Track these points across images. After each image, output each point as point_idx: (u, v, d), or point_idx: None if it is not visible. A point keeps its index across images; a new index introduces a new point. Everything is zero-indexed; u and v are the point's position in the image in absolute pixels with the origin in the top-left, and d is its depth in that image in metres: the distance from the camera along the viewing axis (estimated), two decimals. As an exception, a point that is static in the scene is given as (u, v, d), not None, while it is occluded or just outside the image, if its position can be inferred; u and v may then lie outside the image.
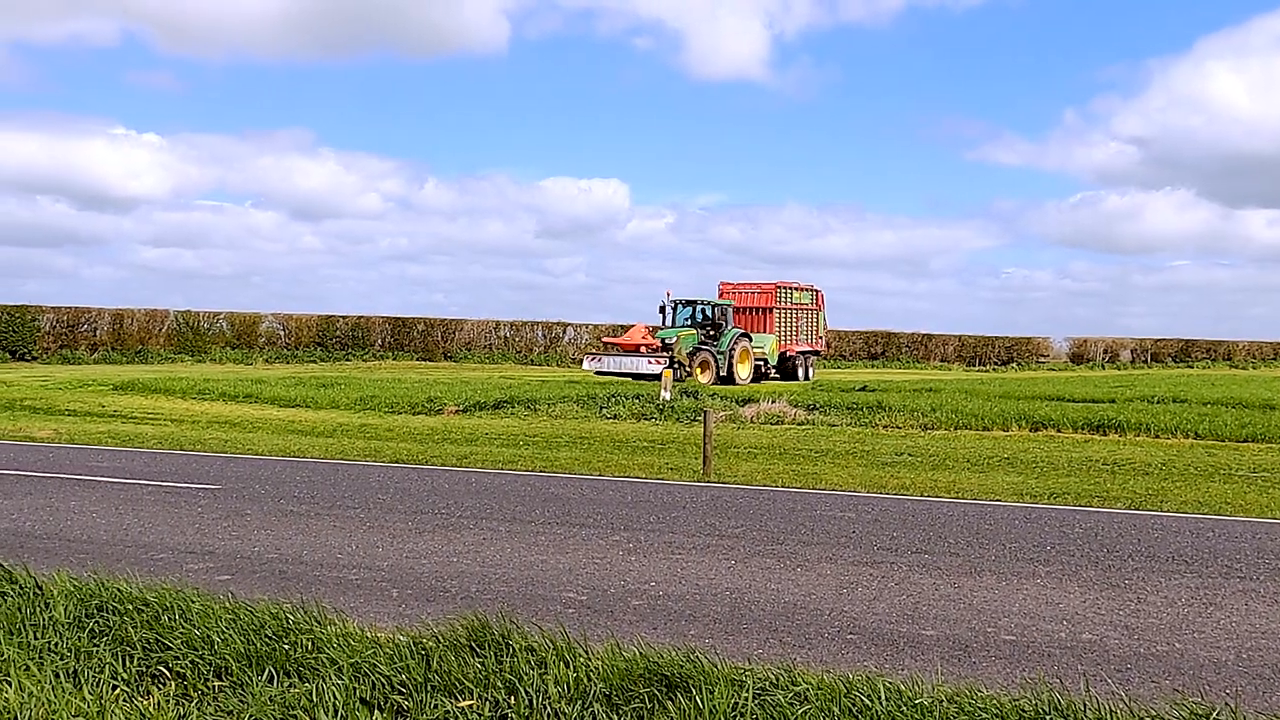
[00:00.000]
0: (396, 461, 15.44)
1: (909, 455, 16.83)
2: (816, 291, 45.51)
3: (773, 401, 24.05)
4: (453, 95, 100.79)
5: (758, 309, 42.05)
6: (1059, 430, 20.41)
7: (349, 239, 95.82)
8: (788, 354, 42.04)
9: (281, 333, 56.76)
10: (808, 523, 10.51)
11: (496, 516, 10.70)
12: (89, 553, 8.72)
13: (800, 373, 42.22)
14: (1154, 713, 4.94)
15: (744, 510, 11.24)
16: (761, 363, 40.21)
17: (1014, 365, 70.15)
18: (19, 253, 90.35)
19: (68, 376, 36.15)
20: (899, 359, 68.55)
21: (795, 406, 23.38)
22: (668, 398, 24.41)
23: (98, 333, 52.08)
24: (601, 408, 23.76)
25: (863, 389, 30.79)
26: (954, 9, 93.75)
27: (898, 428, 21.02)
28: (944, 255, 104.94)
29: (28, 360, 48.46)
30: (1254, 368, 71.36)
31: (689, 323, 38.68)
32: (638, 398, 24.75)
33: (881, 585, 7.94)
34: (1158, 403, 25.73)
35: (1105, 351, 76.62)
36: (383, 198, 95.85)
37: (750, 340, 39.74)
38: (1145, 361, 76.11)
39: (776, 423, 21.93)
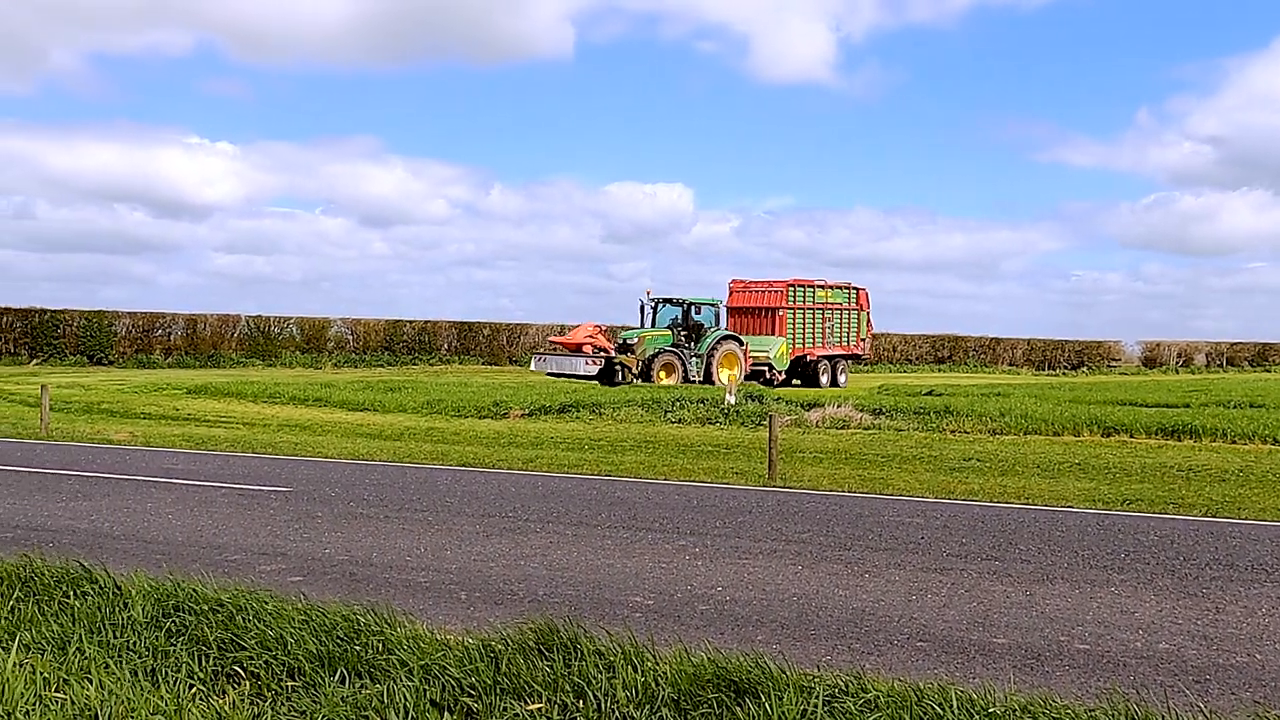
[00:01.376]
0: (463, 465, 15.56)
1: (977, 460, 16.63)
2: (856, 290, 42.99)
3: (838, 406, 23.88)
4: (519, 101, 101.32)
5: (765, 309, 39.76)
6: (1131, 435, 20.04)
7: (416, 245, 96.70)
8: (808, 357, 39.87)
9: (350, 337, 57.45)
10: (875, 528, 10.42)
11: (563, 520, 10.73)
12: (165, 553, 8.88)
13: (824, 378, 39.88)
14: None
15: (810, 515, 11.17)
16: (765, 367, 38.35)
17: (1084, 369, 69.07)
18: (98, 259, 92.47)
19: (143, 380, 36.91)
20: (966, 363, 67.81)
21: (861, 411, 23.20)
22: (733, 401, 24.35)
23: (172, 337, 53.10)
24: (666, 412, 23.75)
25: (929, 393, 30.46)
26: (1022, 8, 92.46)
27: (965, 432, 20.77)
28: (1013, 258, 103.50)
29: (105, 364, 49.54)
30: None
31: (673, 322, 37.10)
32: (702, 402, 24.70)
33: (951, 592, 7.84)
34: (1234, 407, 25.17)
35: (1179, 355, 75.14)
36: (450, 204, 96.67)
37: (740, 343, 37.72)
38: (1220, 365, 74.50)
39: (842, 427, 21.78)
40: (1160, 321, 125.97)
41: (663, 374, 35.53)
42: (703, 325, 37.29)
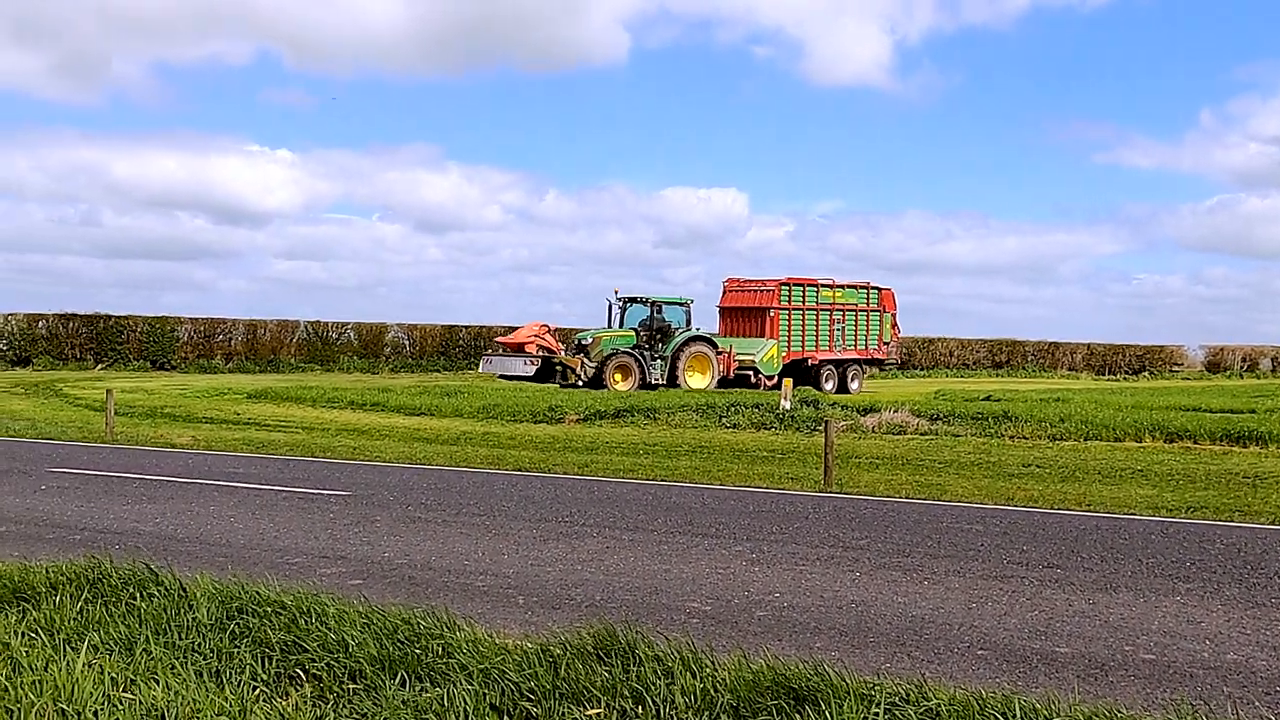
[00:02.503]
0: (519, 469, 15.62)
1: (1037, 466, 16.43)
2: (878, 290, 40.22)
3: (895, 411, 23.70)
4: (573, 107, 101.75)
5: (756, 309, 37.23)
6: (1195, 441, 19.71)
7: (471, 250, 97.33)
8: (809, 361, 37.25)
9: (406, 342, 57.92)
10: (934, 535, 10.32)
11: (619, 525, 10.74)
12: (228, 556, 9.00)
13: (828, 385, 37.23)
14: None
15: (867, 521, 11.09)
16: (750, 371, 35.95)
17: (1146, 374, 67.98)
18: (160, 265, 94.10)
19: (205, 385, 37.45)
20: (1025, 368, 67.02)
21: (918, 416, 23.01)
22: (788, 406, 24.24)
23: (232, 343, 53.85)
24: (721, 417, 23.70)
25: (987, 398, 30.12)
26: (1080, 9, 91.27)
27: (1025, 438, 20.54)
28: (1071, 261, 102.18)
29: (167, 369, 50.34)
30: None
31: (641, 322, 35.14)
32: (757, 407, 24.61)
33: (1012, 600, 7.75)
34: (1301, 413, 24.65)
35: (1243, 360, 73.78)
36: (503, 209, 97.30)
37: (713, 345, 35.78)
38: (1287, 369, 73.07)
39: (899, 432, 21.61)
40: (1224, 326, 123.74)
41: (617, 376, 33.63)
42: (670, 326, 35.34)
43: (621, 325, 35.32)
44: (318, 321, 56.20)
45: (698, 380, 34.84)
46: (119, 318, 51.55)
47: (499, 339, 37.82)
